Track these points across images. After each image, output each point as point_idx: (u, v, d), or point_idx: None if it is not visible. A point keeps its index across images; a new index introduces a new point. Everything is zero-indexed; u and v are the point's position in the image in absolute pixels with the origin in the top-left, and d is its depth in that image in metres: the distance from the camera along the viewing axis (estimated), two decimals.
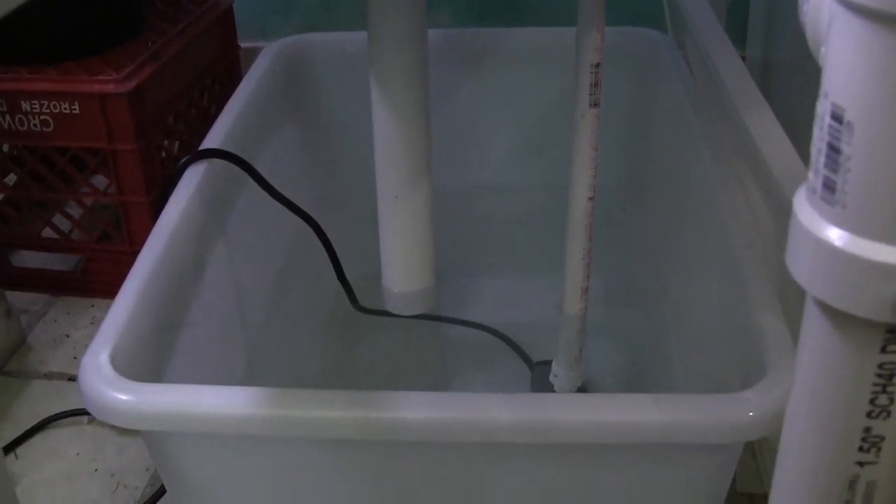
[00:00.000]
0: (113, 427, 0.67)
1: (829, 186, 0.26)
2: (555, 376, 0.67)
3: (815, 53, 0.31)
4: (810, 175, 0.27)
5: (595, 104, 0.57)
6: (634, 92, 0.83)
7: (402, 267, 0.61)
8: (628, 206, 0.85)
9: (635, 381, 0.77)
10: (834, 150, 0.26)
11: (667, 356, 0.69)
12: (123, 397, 0.45)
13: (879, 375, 0.27)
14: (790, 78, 0.88)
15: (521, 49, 0.84)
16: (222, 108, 0.73)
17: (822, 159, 0.26)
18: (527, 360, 0.79)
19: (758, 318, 0.49)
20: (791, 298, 0.48)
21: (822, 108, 0.26)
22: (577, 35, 0.56)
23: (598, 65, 0.57)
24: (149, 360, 0.52)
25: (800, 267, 0.27)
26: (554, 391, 0.67)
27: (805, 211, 0.27)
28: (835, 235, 0.26)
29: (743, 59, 1.00)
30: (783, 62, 0.91)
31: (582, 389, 0.68)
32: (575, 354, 0.66)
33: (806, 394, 0.29)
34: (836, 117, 0.25)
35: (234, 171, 0.66)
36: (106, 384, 0.46)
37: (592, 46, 0.56)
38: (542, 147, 0.86)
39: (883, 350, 0.26)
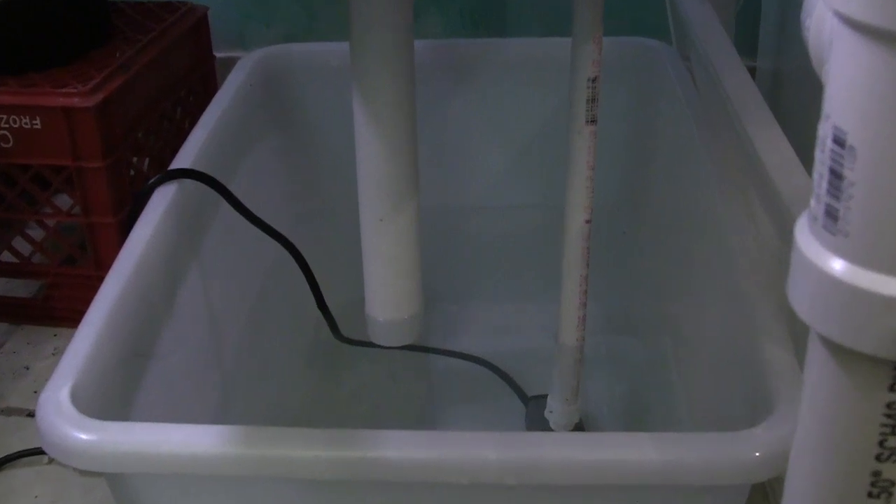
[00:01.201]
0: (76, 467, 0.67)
1: (831, 214, 0.26)
2: (550, 412, 0.67)
3: (817, 70, 0.31)
4: (812, 202, 0.27)
5: (592, 120, 0.58)
6: (634, 106, 0.83)
7: (386, 294, 0.61)
8: (628, 227, 0.85)
9: (636, 414, 0.77)
10: (836, 175, 0.26)
11: (669, 388, 0.69)
12: (84, 437, 0.45)
13: (888, 416, 0.27)
14: (802, 89, 0.88)
15: (515, 60, 0.85)
16: (197, 121, 0.74)
17: (824, 185, 0.26)
18: (521, 394, 0.79)
19: (764, 348, 0.49)
20: (800, 327, 0.48)
21: (824, 131, 0.26)
22: (573, 47, 0.56)
23: (595, 79, 0.57)
24: (114, 394, 0.52)
25: (801, 300, 0.27)
26: (549, 428, 0.67)
27: (806, 240, 0.27)
28: (837, 266, 0.26)
29: (753, 70, 1.01)
30: (795, 73, 0.92)
31: (579, 425, 0.68)
32: (571, 388, 0.66)
33: (810, 435, 0.29)
34: (838, 141, 0.26)
35: (207, 190, 0.66)
36: (66, 422, 0.46)
37: (589, 59, 0.56)
38: (538, 163, 0.86)
39: (891, 389, 0.27)
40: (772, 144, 0.60)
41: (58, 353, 0.90)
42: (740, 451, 0.44)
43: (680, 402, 0.66)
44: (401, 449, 0.45)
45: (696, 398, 0.62)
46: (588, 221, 0.60)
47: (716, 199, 0.63)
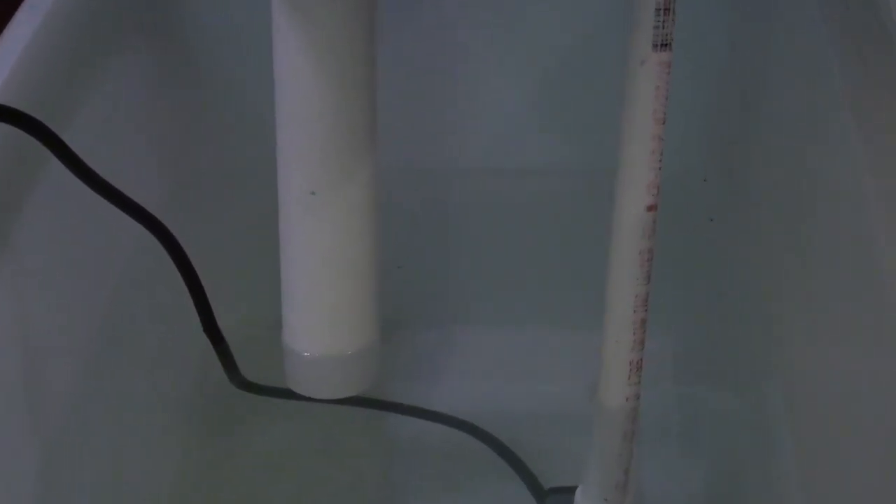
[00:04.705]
0: None
1: None
2: None
3: None
4: None
5: (664, 44, 0.57)
6: (732, 26, 0.84)
7: (319, 314, 0.62)
8: (717, 213, 0.86)
9: None
10: None
11: (778, 467, 0.70)
12: None
13: None
14: None
15: None
16: (6, 26, 0.73)
17: None
18: (533, 483, 0.79)
19: None
20: None
21: None
22: None
23: None
24: None
25: None
26: None
27: None
28: None
29: None
30: None
31: None
32: (616, 478, 0.65)
33: None
34: None
35: (26, 139, 0.65)
36: None
37: None
38: (569, 104, 0.87)
39: None
40: None
41: None
42: None
43: (793, 490, 0.67)
44: None
45: (819, 489, 0.63)
46: (652, 208, 0.60)
47: (861, 172, 0.63)
